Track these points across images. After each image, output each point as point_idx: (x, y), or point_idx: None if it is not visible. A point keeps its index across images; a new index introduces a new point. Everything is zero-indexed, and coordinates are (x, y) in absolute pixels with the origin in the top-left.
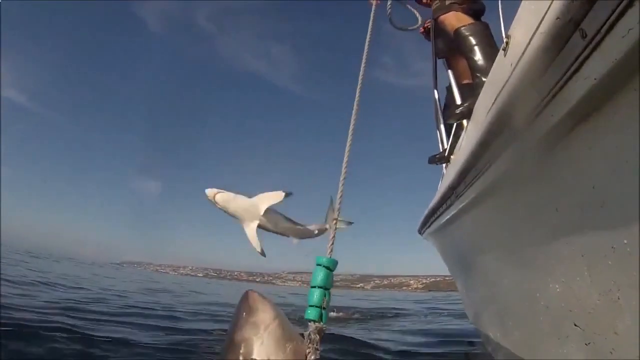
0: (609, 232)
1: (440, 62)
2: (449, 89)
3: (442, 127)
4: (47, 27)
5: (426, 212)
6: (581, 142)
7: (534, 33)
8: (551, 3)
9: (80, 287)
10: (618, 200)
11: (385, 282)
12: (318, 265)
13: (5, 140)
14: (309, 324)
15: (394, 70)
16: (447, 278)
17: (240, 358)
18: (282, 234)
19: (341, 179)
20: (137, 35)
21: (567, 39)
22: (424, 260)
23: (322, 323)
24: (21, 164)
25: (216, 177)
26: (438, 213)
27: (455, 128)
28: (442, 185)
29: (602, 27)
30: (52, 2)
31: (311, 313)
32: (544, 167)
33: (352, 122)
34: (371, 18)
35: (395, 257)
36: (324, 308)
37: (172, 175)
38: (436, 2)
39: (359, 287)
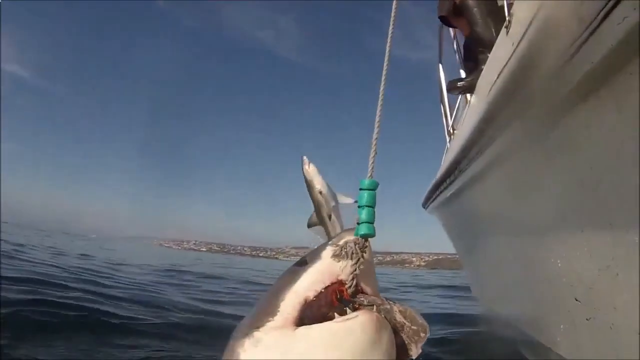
0: (607, 209)
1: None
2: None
3: (445, 100)
4: (50, 3)
5: (431, 185)
6: (580, 121)
7: (535, 15)
8: None
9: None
10: (615, 178)
11: (388, 259)
12: (361, 189)
13: (12, 117)
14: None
15: (401, 42)
16: (449, 256)
17: (332, 241)
18: (325, 226)
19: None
20: (143, 8)
21: (566, 23)
22: (427, 237)
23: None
24: (26, 140)
25: (218, 152)
26: (443, 187)
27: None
28: (447, 159)
29: (598, 14)
30: None
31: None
32: (545, 145)
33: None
34: None
35: (398, 233)
36: (357, 223)
37: (173, 148)
38: None
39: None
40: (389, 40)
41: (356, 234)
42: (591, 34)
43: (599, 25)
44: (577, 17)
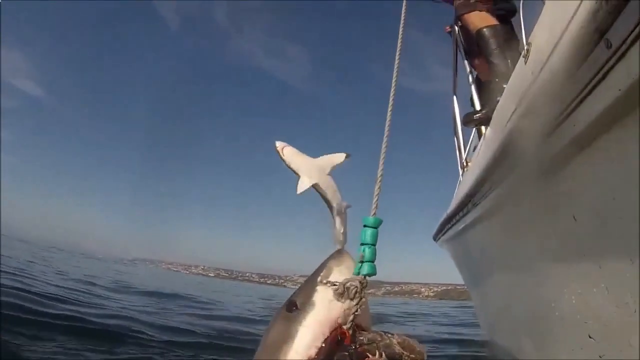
0: (628, 244)
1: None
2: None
3: (459, 132)
4: (65, 20)
5: (442, 218)
6: (602, 152)
7: (557, 42)
8: (576, 12)
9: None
10: (638, 213)
11: (397, 289)
12: (365, 225)
13: (20, 133)
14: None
15: (411, 74)
16: (458, 287)
17: (320, 278)
18: (328, 200)
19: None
20: (156, 32)
21: (591, 49)
22: (436, 268)
23: (360, 275)
24: (34, 157)
25: (225, 175)
26: (454, 220)
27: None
28: (459, 193)
29: (627, 37)
30: None
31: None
32: (564, 177)
33: (391, 101)
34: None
35: (407, 264)
36: (361, 262)
37: (181, 172)
38: None
39: (369, 293)
40: (392, 90)
41: (357, 272)
42: (619, 59)
43: (628, 49)
44: (604, 42)
